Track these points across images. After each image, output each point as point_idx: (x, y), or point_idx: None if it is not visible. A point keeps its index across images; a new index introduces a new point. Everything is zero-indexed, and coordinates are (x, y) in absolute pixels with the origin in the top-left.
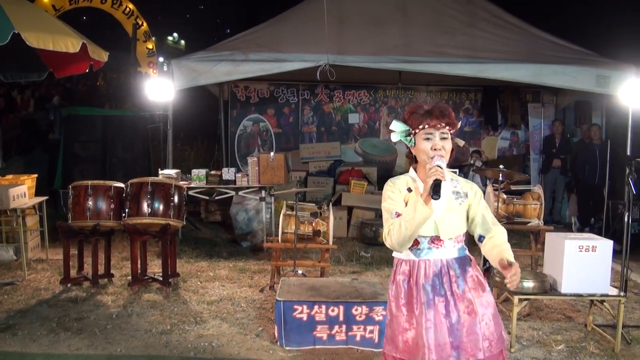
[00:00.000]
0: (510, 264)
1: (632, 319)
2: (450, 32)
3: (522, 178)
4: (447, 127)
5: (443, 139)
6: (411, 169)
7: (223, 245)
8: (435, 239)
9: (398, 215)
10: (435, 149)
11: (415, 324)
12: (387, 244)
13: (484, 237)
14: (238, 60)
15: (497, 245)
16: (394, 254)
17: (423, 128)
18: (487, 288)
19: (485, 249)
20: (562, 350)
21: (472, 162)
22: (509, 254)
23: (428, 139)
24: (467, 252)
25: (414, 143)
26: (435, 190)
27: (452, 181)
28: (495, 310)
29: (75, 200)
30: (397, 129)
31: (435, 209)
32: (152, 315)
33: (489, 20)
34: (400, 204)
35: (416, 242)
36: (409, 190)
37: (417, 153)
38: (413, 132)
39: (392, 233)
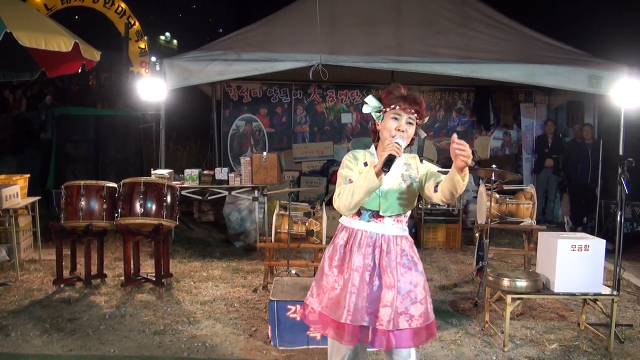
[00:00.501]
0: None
1: (624, 317)
2: (443, 32)
3: (514, 178)
4: (415, 115)
5: (408, 123)
6: (372, 146)
7: (216, 245)
8: (376, 214)
9: (350, 182)
10: (398, 129)
11: (342, 285)
12: (335, 205)
13: (438, 185)
14: (230, 59)
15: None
16: (340, 220)
17: (394, 108)
18: (420, 269)
19: (441, 183)
20: (556, 349)
21: None
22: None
23: (395, 118)
24: (406, 233)
25: (382, 119)
26: (386, 163)
27: (404, 165)
28: (423, 290)
29: (68, 201)
30: (371, 103)
31: (382, 186)
32: (145, 315)
33: (482, 20)
34: (355, 173)
35: (359, 213)
36: (365, 164)
37: (382, 129)
38: (384, 109)
39: (341, 196)
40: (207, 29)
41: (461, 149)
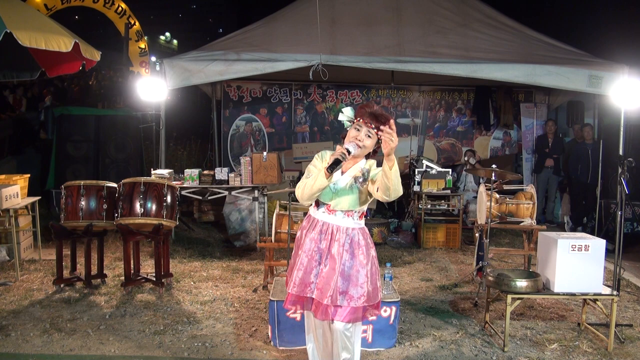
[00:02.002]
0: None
1: (624, 317)
2: (443, 32)
3: (514, 178)
4: (375, 130)
5: (367, 136)
6: None
7: (216, 245)
8: (329, 207)
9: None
10: (356, 138)
11: (297, 262)
12: (296, 194)
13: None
14: (231, 59)
15: None
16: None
17: (358, 120)
18: (365, 258)
19: (378, 180)
20: (556, 349)
21: (466, 158)
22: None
23: (357, 129)
24: (360, 225)
25: (349, 127)
26: (331, 165)
27: (362, 168)
28: (366, 276)
29: (68, 201)
30: (346, 113)
31: (336, 184)
32: (145, 315)
33: (482, 20)
34: (318, 170)
35: (317, 204)
36: None
37: (347, 136)
38: (354, 120)
39: (299, 188)
40: (207, 29)
41: (388, 132)
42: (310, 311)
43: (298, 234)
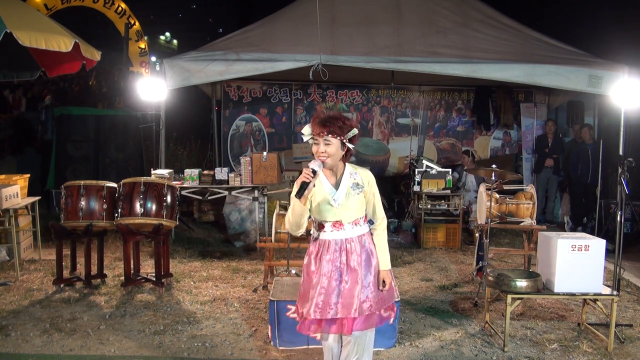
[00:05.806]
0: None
1: (624, 317)
2: (443, 32)
3: (514, 178)
4: (330, 135)
5: (326, 144)
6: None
7: (216, 245)
8: (337, 223)
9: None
10: (318, 152)
11: (314, 287)
12: (287, 229)
13: (373, 222)
14: (231, 59)
15: (378, 244)
16: (312, 234)
17: (313, 134)
18: (375, 260)
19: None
20: (556, 349)
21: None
22: (384, 261)
23: (316, 143)
24: (366, 228)
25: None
26: (299, 191)
27: (351, 175)
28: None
29: (68, 201)
30: (306, 132)
31: (336, 200)
32: (145, 315)
33: (482, 20)
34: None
35: (322, 226)
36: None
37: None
38: (312, 136)
39: (287, 220)
40: (207, 29)
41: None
42: (330, 333)
43: (306, 260)
